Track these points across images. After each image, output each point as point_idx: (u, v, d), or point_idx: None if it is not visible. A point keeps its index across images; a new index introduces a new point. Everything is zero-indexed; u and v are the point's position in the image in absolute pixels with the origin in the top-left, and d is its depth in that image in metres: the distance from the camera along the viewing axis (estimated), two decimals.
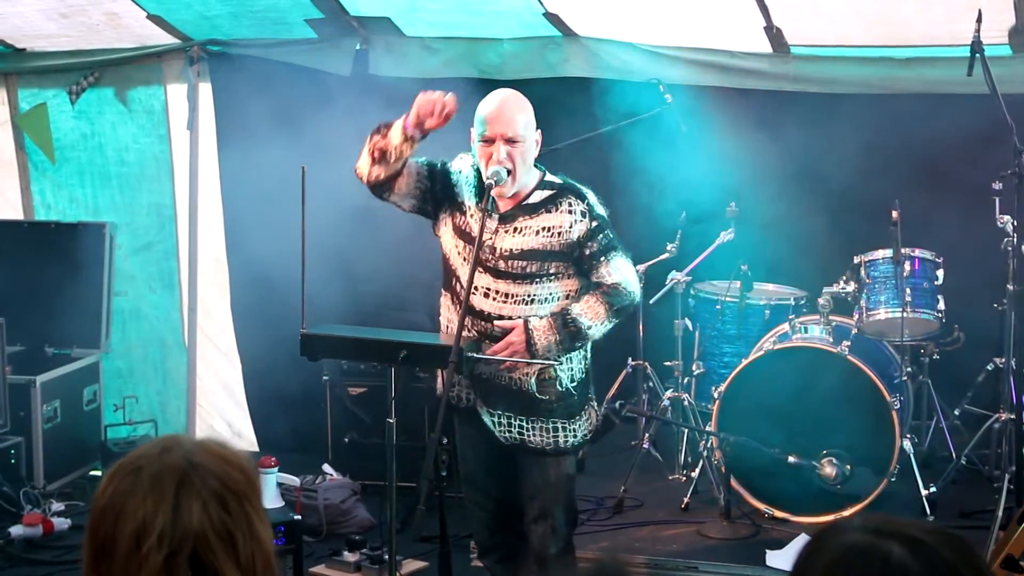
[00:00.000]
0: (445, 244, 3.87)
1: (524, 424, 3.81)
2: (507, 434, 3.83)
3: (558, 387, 3.80)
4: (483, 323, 3.77)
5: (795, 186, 5.88)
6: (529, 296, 3.73)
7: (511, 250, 3.71)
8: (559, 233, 3.71)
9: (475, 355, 3.70)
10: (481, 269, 3.71)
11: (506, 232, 3.74)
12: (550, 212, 3.73)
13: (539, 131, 3.79)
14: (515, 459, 3.89)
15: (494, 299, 3.74)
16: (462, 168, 3.87)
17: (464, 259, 3.76)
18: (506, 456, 3.90)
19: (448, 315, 3.88)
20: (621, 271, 3.77)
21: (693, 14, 5.44)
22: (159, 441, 1.70)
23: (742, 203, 5.75)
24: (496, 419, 3.83)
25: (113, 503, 1.63)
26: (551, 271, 3.73)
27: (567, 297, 3.78)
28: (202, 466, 1.65)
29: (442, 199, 3.86)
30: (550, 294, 3.75)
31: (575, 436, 3.87)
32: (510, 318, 3.72)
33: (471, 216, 3.78)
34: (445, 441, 3.69)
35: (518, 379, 3.78)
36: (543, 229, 3.71)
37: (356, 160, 3.82)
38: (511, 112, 3.70)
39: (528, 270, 3.71)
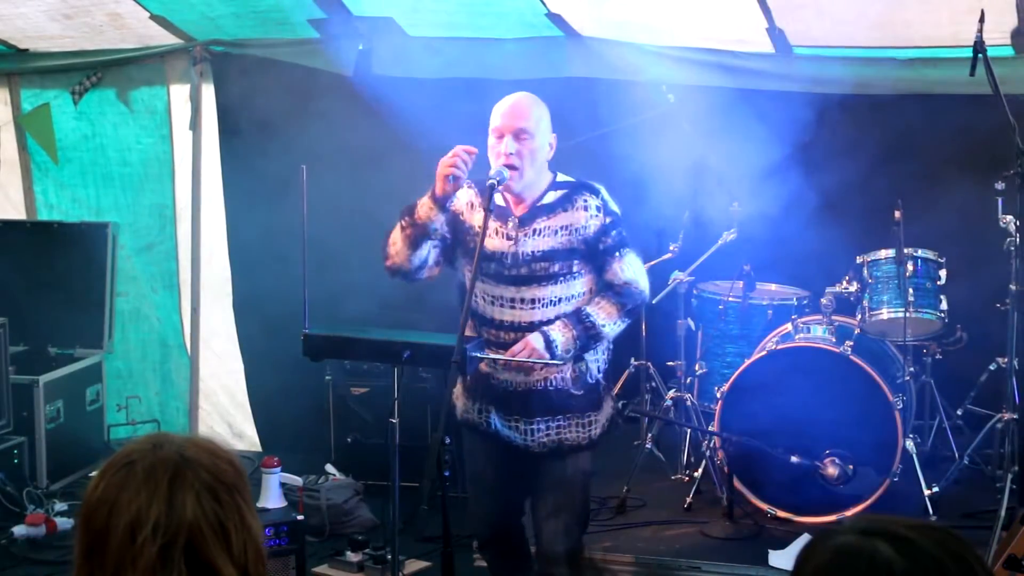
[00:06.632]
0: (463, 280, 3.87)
1: (562, 423, 3.81)
2: (544, 438, 3.81)
3: (588, 379, 3.83)
4: (512, 334, 3.74)
5: (798, 186, 5.87)
6: (556, 297, 3.72)
7: (533, 252, 3.70)
8: (577, 230, 3.70)
9: (479, 355, 3.70)
10: (503, 283, 3.72)
11: (526, 236, 3.71)
12: (567, 211, 3.71)
13: (554, 135, 3.78)
14: (530, 459, 3.87)
15: (520, 308, 3.73)
16: (459, 196, 3.81)
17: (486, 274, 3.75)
18: (519, 458, 3.89)
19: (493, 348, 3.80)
20: (632, 268, 3.75)
21: (696, 15, 5.44)
22: (148, 438, 1.73)
23: (744, 203, 5.75)
24: (533, 428, 3.81)
25: (107, 497, 1.65)
26: (574, 269, 3.72)
27: (590, 292, 3.77)
28: (194, 460, 1.68)
29: (454, 243, 3.84)
30: (576, 292, 3.74)
31: (600, 427, 3.88)
32: (540, 322, 3.70)
33: (481, 230, 3.74)
34: (448, 441, 3.68)
35: (553, 379, 3.78)
36: (562, 228, 3.70)
37: (386, 260, 3.83)
38: (523, 107, 3.71)
39: (552, 270, 3.70)
